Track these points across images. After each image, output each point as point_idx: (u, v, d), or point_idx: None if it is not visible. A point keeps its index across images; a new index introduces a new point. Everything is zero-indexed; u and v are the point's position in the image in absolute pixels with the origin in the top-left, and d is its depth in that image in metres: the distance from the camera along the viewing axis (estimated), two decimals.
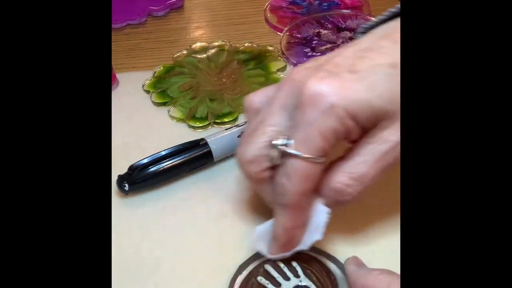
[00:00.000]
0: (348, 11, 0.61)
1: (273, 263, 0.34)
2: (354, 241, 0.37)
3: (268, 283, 0.33)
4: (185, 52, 0.56)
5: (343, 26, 0.58)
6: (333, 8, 0.62)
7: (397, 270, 0.29)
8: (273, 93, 0.33)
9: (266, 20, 0.61)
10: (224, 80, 0.52)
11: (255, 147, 0.32)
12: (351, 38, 0.56)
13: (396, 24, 0.32)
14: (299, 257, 0.34)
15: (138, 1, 0.63)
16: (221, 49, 0.56)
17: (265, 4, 0.63)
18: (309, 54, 0.55)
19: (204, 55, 0.56)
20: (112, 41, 0.56)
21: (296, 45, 0.56)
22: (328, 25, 0.59)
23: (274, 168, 0.32)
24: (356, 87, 0.29)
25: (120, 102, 0.50)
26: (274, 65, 0.54)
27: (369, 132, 0.31)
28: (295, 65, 0.53)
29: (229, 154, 0.44)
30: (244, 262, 0.35)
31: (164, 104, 0.50)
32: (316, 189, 0.32)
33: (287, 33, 0.58)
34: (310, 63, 0.32)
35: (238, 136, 0.43)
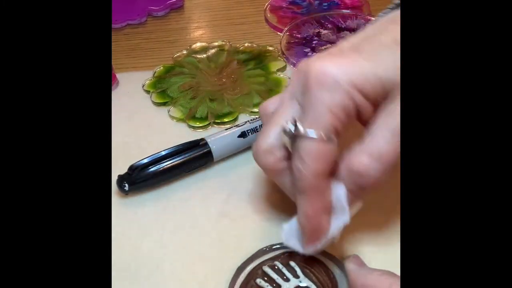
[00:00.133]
0: (348, 11, 0.61)
1: (271, 264, 0.34)
2: (354, 241, 0.37)
3: (267, 285, 0.33)
4: (185, 52, 0.56)
5: (343, 26, 0.58)
6: (333, 8, 0.62)
7: (397, 270, 0.29)
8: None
9: (266, 20, 0.61)
10: (224, 80, 0.52)
11: (269, 137, 0.32)
12: None
13: None
14: (297, 257, 0.34)
15: (138, 1, 0.63)
16: (221, 49, 0.56)
17: (265, 4, 0.63)
18: (309, 54, 0.55)
19: (204, 55, 0.56)
20: (112, 41, 0.56)
21: (296, 45, 0.56)
22: (328, 25, 0.59)
23: (290, 158, 0.32)
24: (361, 62, 0.29)
25: (120, 102, 0.50)
26: (274, 65, 0.54)
27: (381, 107, 0.30)
28: (295, 65, 0.53)
29: (229, 154, 0.44)
30: (241, 265, 0.35)
31: (164, 104, 0.50)
32: (335, 174, 0.31)
33: (287, 33, 0.58)
34: (316, 55, 0.32)
35: (239, 136, 0.43)
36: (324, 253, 0.35)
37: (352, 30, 0.58)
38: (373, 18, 0.57)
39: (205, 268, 0.37)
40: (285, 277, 0.33)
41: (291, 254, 0.34)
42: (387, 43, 0.30)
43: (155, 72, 0.54)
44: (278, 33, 0.59)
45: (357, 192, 0.31)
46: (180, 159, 0.42)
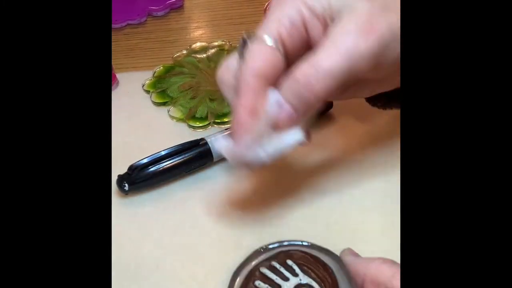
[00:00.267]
0: None
1: (269, 265, 0.33)
2: (354, 241, 0.37)
3: (267, 287, 0.32)
4: (185, 52, 0.56)
5: None
6: None
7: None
8: None
9: None
10: None
11: (231, 57, 0.35)
12: None
13: None
14: (295, 255, 0.34)
15: (138, 1, 0.63)
16: (221, 49, 0.56)
17: (265, 4, 0.63)
18: None
19: (204, 55, 0.56)
20: (112, 41, 0.56)
21: None
22: None
23: None
24: None
25: (120, 102, 0.50)
26: None
27: (329, 29, 0.31)
28: None
29: None
30: (237, 269, 0.34)
31: (164, 104, 0.50)
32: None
33: None
34: None
35: None
36: (319, 248, 0.35)
37: None
38: None
39: (205, 268, 0.37)
40: (284, 277, 0.33)
41: (287, 253, 0.34)
42: None
43: (155, 72, 0.54)
44: None
45: (299, 107, 0.31)
46: (180, 159, 0.42)
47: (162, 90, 0.51)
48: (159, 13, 0.63)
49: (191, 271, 0.37)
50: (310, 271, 0.33)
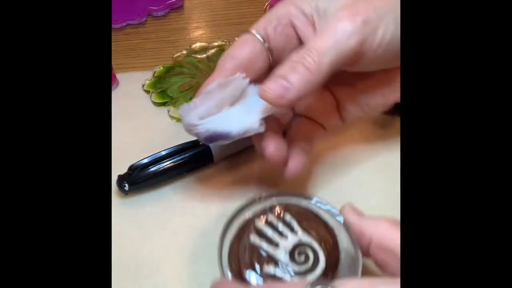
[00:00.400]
0: None
1: (264, 218, 0.31)
2: None
3: (263, 243, 0.29)
4: (185, 52, 0.56)
5: None
6: None
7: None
8: None
9: None
10: None
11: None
12: None
13: None
14: (291, 209, 0.31)
15: (138, 1, 0.63)
16: (221, 49, 0.56)
17: (265, 4, 0.63)
18: None
19: (204, 55, 0.56)
20: (112, 41, 0.56)
21: None
22: None
23: None
24: None
25: (120, 102, 0.50)
26: None
27: (320, 21, 0.34)
28: None
29: (229, 154, 0.44)
30: (231, 218, 0.32)
31: (164, 104, 0.50)
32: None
33: None
34: None
35: None
36: (318, 202, 0.32)
37: None
38: None
39: (205, 268, 0.37)
40: (281, 234, 0.30)
41: (285, 206, 0.31)
42: None
43: (155, 72, 0.54)
44: None
45: (295, 82, 0.32)
46: (180, 159, 0.42)
47: (162, 90, 0.51)
48: (159, 13, 0.62)
49: (191, 271, 0.37)
50: (310, 228, 0.30)
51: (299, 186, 0.41)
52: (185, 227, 0.39)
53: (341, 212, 0.31)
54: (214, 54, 0.56)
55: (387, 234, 0.29)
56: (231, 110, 0.34)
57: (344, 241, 0.30)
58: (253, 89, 0.34)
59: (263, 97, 0.32)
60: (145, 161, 0.41)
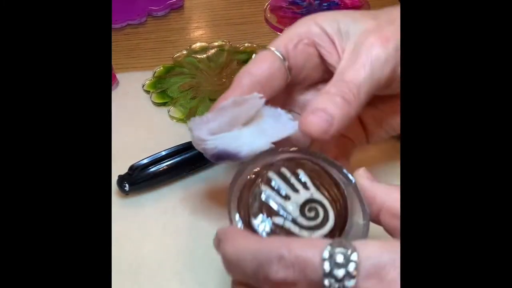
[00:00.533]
0: None
1: (277, 170, 0.30)
2: None
3: (275, 194, 0.29)
4: (185, 52, 0.56)
5: None
6: (333, 8, 0.62)
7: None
8: None
9: (266, 20, 0.61)
10: (224, 80, 0.52)
11: None
12: None
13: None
14: (305, 165, 0.31)
15: (138, 1, 0.63)
16: (221, 49, 0.56)
17: (265, 4, 0.63)
18: None
19: (204, 55, 0.56)
20: (112, 41, 0.56)
21: None
22: None
23: None
24: (333, 14, 0.35)
25: (120, 102, 0.50)
26: None
27: (347, 45, 0.33)
28: None
29: None
30: (243, 165, 0.31)
31: (164, 104, 0.50)
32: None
33: None
34: None
35: None
36: (333, 164, 0.31)
37: None
38: None
39: (206, 269, 0.37)
40: (294, 188, 0.29)
41: (299, 162, 0.31)
42: (363, 15, 0.35)
43: (155, 72, 0.54)
44: (278, 33, 0.59)
45: (336, 113, 0.32)
46: (180, 159, 0.42)
47: (162, 90, 0.51)
48: (159, 13, 0.62)
49: (192, 271, 0.37)
50: (321, 187, 0.30)
51: None
52: (185, 227, 0.39)
53: (354, 175, 0.30)
54: (214, 54, 0.56)
55: (397, 202, 0.28)
56: (243, 130, 0.33)
57: (354, 203, 0.30)
58: (268, 111, 0.33)
59: (305, 130, 0.31)
60: (145, 161, 0.41)
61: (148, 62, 0.56)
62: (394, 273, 0.23)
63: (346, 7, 0.61)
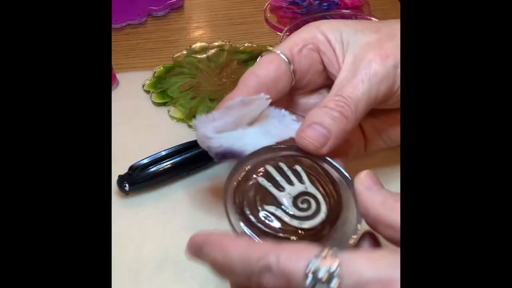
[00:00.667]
0: (348, 11, 0.61)
1: (275, 164, 0.31)
2: None
3: (270, 185, 0.30)
4: (185, 52, 0.56)
5: None
6: (333, 8, 0.62)
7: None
8: None
9: (266, 20, 0.61)
10: (224, 80, 0.52)
11: None
12: None
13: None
14: (304, 162, 0.31)
15: (138, 1, 0.63)
16: (221, 49, 0.56)
17: (265, 4, 0.63)
18: None
19: (204, 55, 0.56)
20: (112, 41, 0.56)
21: None
22: None
23: None
24: (336, 22, 0.36)
25: (120, 102, 0.50)
26: None
27: (346, 56, 0.34)
28: None
29: None
30: (242, 159, 0.32)
31: (164, 104, 0.50)
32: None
33: (287, 33, 0.58)
34: None
35: None
36: (332, 165, 0.32)
37: None
38: (373, 18, 0.57)
39: (206, 269, 0.36)
40: (289, 180, 0.30)
41: (297, 158, 0.31)
42: (365, 26, 0.35)
43: (155, 72, 0.54)
44: (278, 33, 0.59)
45: (333, 128, 0.32)
46: (180, 159, 0.42)
47: (162, 90, 0.51)
48: (159, 13, 0.62)
49: (192, 271, 0.36)
50: (317, 182, 0.30)
51: None
52: (186, 227, 0.39)
53: (355, 179, 0.30)
54: (214, 54, 0.56)
55: (391, 214, 0.27)
56: (248, 130, 0.33)
57: (350, 201, 0.30)
58: (273, 112, 0.34)
59: (301, 144, 0.32)
60: (146, 161, 0.41)
61: (148, 62, 0.56)
62: None
63: (346, 7, 0.61)
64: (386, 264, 0.24)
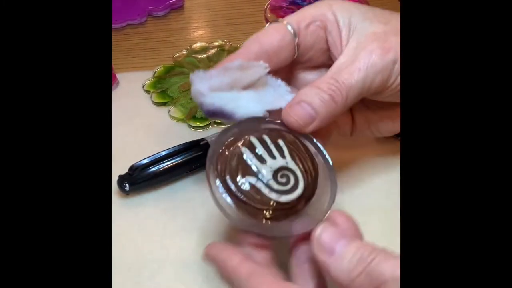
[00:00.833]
0: None
1: (259, 136, 0.32)
2: None
3: (253, 157, 0.31)
4: (185, 52, 0.56)
5: None
6: None
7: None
8: None
9: (266, 20, 0.61)
10: None
11: None
12: None
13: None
14: (286, 137, 0.32)
15: (138, 1, 0.63)
16: (221, 49, 0.56)
17: (265, 4, 0.63)
18: None
19: (204, 55, 0.55)
20: (112, 41, 0.56)
21: None
22: None
23: None
24: (348, 4, 0.35)
25: (120, 102, 0.50)
26: None
27: (350, 40, 0.34)
28: None
29: None
30: (228, 127, 0.33)
31: (164, 104, 0.50)
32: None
33: None
34: None
35: None
36: (312, 141, 0.33)
37: None
38: None
39: (206, 269, 0.37)
40: (271, 154, 0.31)
41: (281, 133, 0.32)
42: (375, 15, 0.35)
43: (155, 72, 0.54)
44: None
45: (321, 110, 0.32)
46: (180, 159, 0.42)
47: (162, 90, 0.51)
48: (159, 13, 0.62)
49: (192, 272, 0.37)
50: (297, 158, 0.32)
51: None
52: (186, 227, 0.39)
53: (313, 240, 0.28)
54: (214, 54, 0.56)
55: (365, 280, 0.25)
56: (242, 94, 0.33)
57: (326, 180, 0.32)
58: (270, 80, 0.34)
59: (286, 121, 0.32)
60: (146, 161, 0.41)
61: (148, 62, 0.56)
62: None
63: None
64: None
